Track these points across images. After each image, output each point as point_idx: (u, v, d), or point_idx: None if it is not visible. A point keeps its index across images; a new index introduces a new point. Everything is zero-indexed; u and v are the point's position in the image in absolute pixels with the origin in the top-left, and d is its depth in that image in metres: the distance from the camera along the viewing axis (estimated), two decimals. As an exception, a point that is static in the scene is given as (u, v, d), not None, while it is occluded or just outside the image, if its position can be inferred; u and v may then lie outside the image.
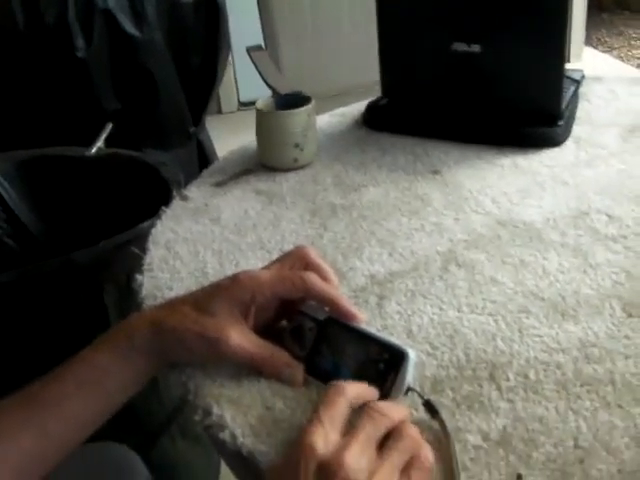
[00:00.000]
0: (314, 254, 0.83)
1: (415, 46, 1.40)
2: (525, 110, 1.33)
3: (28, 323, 1.55)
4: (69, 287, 1.52)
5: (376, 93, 1.49)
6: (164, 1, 2.45)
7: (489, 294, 0.90)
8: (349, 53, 2.93)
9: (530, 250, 0.99)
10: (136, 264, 1.09)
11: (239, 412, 0.75)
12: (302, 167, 1.30)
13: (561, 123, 1.32)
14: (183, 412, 1.75)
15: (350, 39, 2.93)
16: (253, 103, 1.32)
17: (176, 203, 1.23)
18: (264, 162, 1.32)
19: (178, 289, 0.98)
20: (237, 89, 4.84)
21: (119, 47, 2.39)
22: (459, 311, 0.87)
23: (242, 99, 4.87)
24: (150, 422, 1.72)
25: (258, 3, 2.80)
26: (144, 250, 1.10)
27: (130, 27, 2.38)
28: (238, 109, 4.88)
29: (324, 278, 0.81)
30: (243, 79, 4.71)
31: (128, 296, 1.15)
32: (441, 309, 0.88)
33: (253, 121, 1.31)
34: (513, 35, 1.29)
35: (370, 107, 1.48)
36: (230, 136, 3.72)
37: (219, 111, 4.82)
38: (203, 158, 2.78)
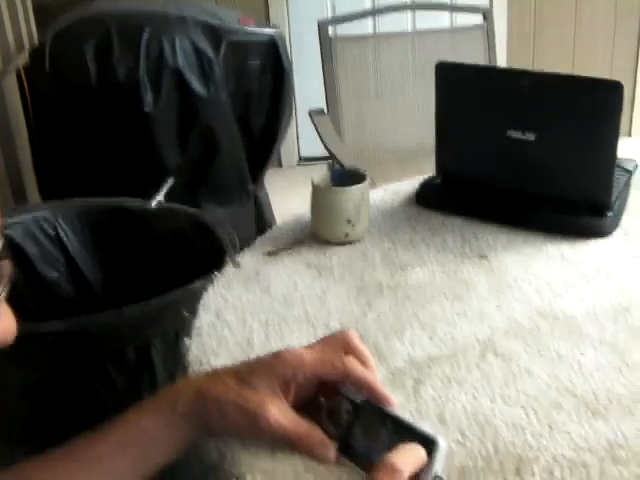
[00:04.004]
0: (356, 339, 0.86)
1: (471, 130, 1.43)
2: (575, 200, 1.35)
3: (75, 373, 1.59)
4: (118, 340, 1.56)
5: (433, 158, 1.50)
6: (231, 63, 2.53)
7: (523, 386, 0.92)
8: (410, 117, 2.97)
9: (568, 344, 1.01)
10: (185, 324, 1.12)
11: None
12: (353, 242, 1.33)
13: (610, 214, 1.33)
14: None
15: (411, 103, 2.97)
16: (313, 159, 1.36)
17: (229, 269, 1.27)
18: (316, 234, 1.36)
19: (224, 356, 1.01)
20: (298, 145, 4.92)
21: (185, 104, 2.47)
22: (492, 401, 0.90)
23: (302, 154, 4.94)
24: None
25: (323, 68, 2.86)
26: (194, 311, 1.14)
27: (197, 86, 2.46)
28: (298, 164, 4.95)
29: (364, 363, 0.84)
30: (304, 135, 4.78)
31: (175, 353, 1.18)
32: (475, 398, 0.90)
33: (312, 175, 1.35)
34: (566, 127, 1.32)
35: (423, 186, 1.51)
36: (289, 189, 3.77)
37: (280, 165, 4.89)
38: (260, 215, 2.83)
